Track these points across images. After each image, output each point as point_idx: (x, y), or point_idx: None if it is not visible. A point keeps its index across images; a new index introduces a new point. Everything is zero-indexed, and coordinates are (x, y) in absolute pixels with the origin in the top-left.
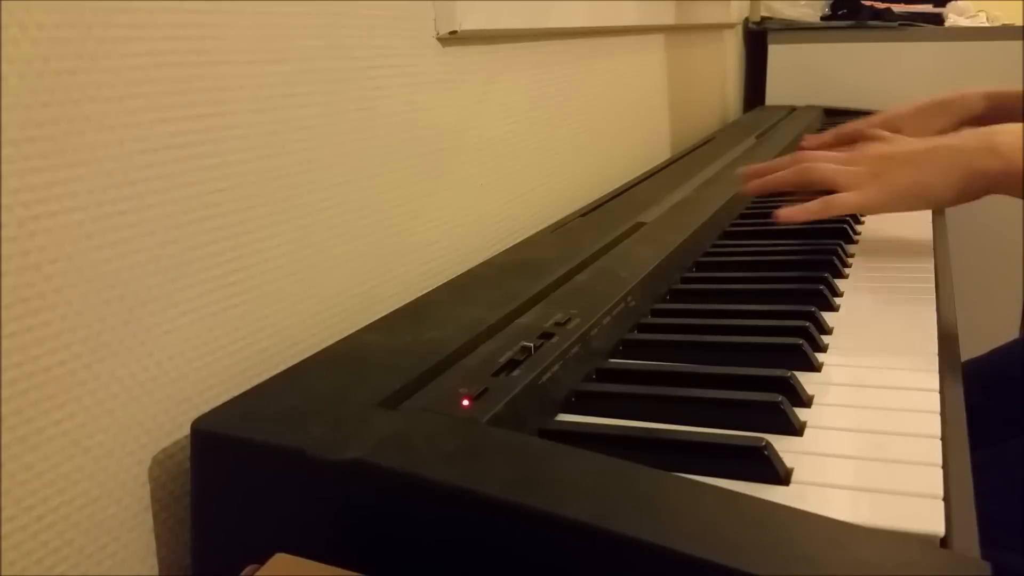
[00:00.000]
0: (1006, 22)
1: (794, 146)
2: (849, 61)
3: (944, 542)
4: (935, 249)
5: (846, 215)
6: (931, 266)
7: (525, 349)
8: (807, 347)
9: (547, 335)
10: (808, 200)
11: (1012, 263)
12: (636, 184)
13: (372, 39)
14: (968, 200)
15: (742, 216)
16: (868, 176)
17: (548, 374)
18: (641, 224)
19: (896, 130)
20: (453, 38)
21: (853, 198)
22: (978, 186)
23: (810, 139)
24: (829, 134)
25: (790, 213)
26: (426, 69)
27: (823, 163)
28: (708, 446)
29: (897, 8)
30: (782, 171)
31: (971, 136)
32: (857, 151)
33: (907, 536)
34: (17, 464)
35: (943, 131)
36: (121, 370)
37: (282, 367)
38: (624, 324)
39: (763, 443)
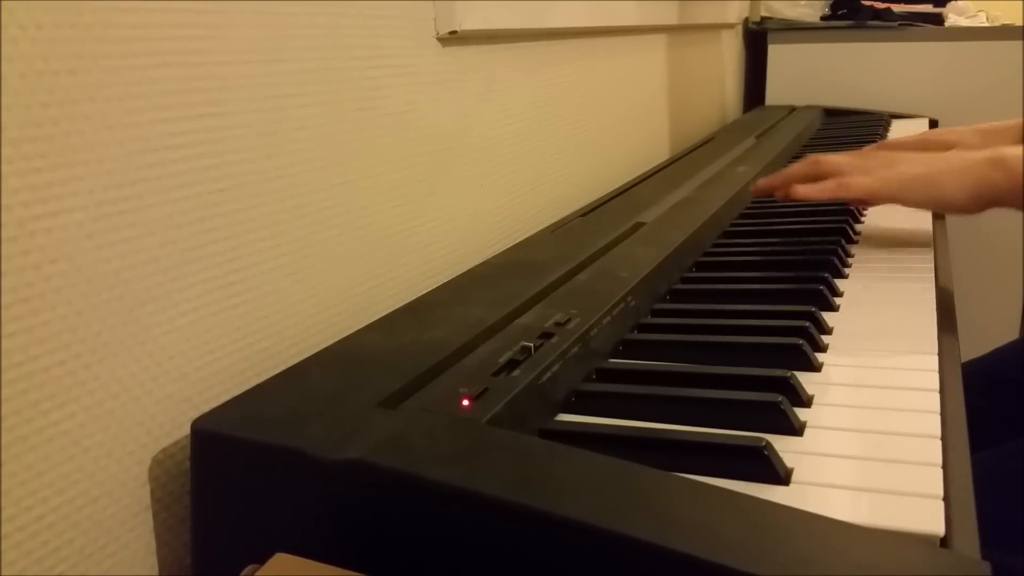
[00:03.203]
0: (1006, 22)
1: (794, 146)
2: (849, 61)
3: (944, 542)
4: (935, 249)
5: (858, 198)
6: (931, 266)
7: (525, 349)
8: (807, 347)
9: (547, 335)
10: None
11: (1012, 263)
12: (636, 184)
13: (372, 39)
14: (975, 210)
15: (742, 216)
16: (879, 166)
17: (548, 374)
18: (641, 224)
19: None
20: (453, 38)
21: (866, 180)
22: (984, 196)
23: (777, 174)
24: (803, 163)
25: (806, 191)
26: (426, 69)
27: (834, 155)
28: (708, 446)
29: (897, 8)
30: (793, 166)
31: (980, 151)
32: (865, 151)
33: (907, 536)
34: (17, 464)
35: None
36: (121, 370)
37: (282, 367)
38: (624, 324)
39: (763, 443)
